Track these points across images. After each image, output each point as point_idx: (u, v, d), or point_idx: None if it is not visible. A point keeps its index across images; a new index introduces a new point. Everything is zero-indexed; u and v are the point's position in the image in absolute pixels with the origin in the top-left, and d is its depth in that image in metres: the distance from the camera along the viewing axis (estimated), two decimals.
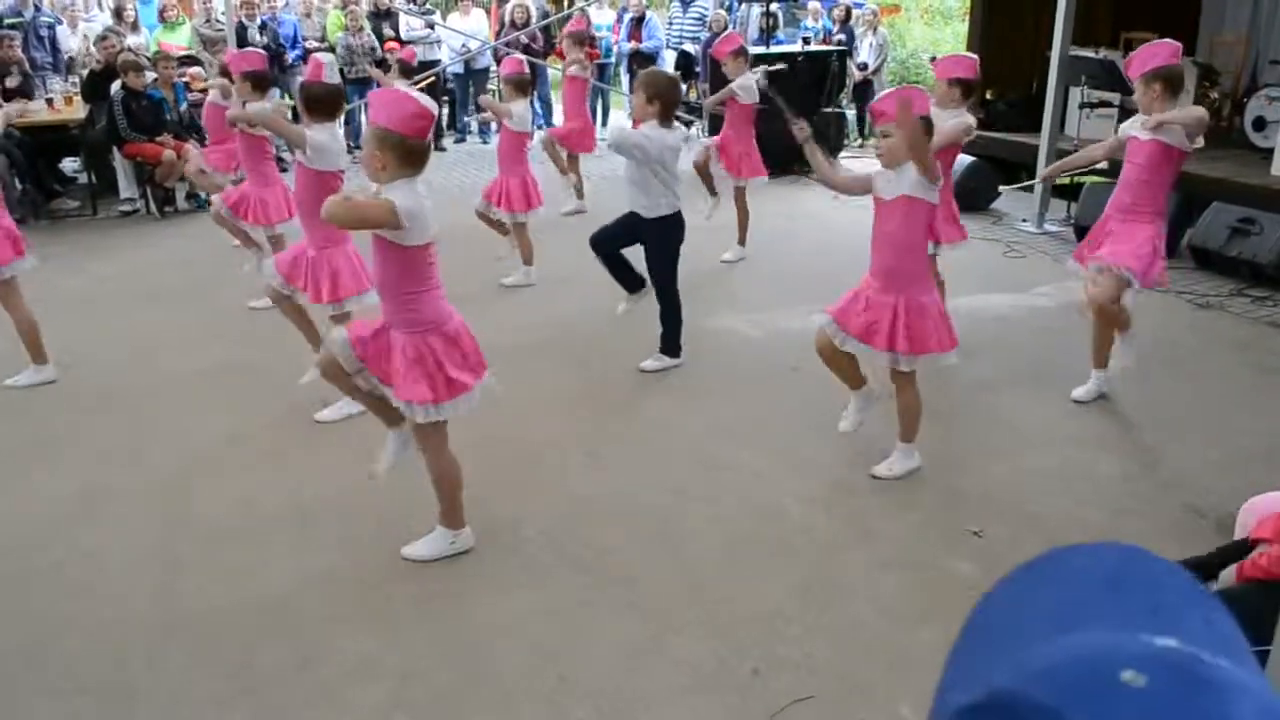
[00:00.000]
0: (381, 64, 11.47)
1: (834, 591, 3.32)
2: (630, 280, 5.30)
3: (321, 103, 4.41)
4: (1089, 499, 3.88)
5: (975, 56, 5.69)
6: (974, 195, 8.74)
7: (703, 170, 7.35)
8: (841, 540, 3.64)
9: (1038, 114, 8.35)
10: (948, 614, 3.16)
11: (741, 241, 7.38)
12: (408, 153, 3.08)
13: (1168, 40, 4.49)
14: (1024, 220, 8.31)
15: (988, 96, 10.41)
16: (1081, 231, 7.61)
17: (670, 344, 5.22)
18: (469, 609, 3.24)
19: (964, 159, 8.86)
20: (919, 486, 4.01)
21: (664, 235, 5.02)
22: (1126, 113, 9.29)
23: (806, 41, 12.29)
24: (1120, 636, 0.51)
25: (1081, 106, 8.48)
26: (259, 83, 5.41)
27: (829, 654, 2.99)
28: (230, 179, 7.09)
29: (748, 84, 6.93)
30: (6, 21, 10.47)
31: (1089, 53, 9.25)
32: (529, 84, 7.03)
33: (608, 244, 5.21)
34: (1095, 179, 8.44)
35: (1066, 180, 8.34)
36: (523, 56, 7.71)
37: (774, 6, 11.57)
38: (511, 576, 3.41)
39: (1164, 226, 4.53)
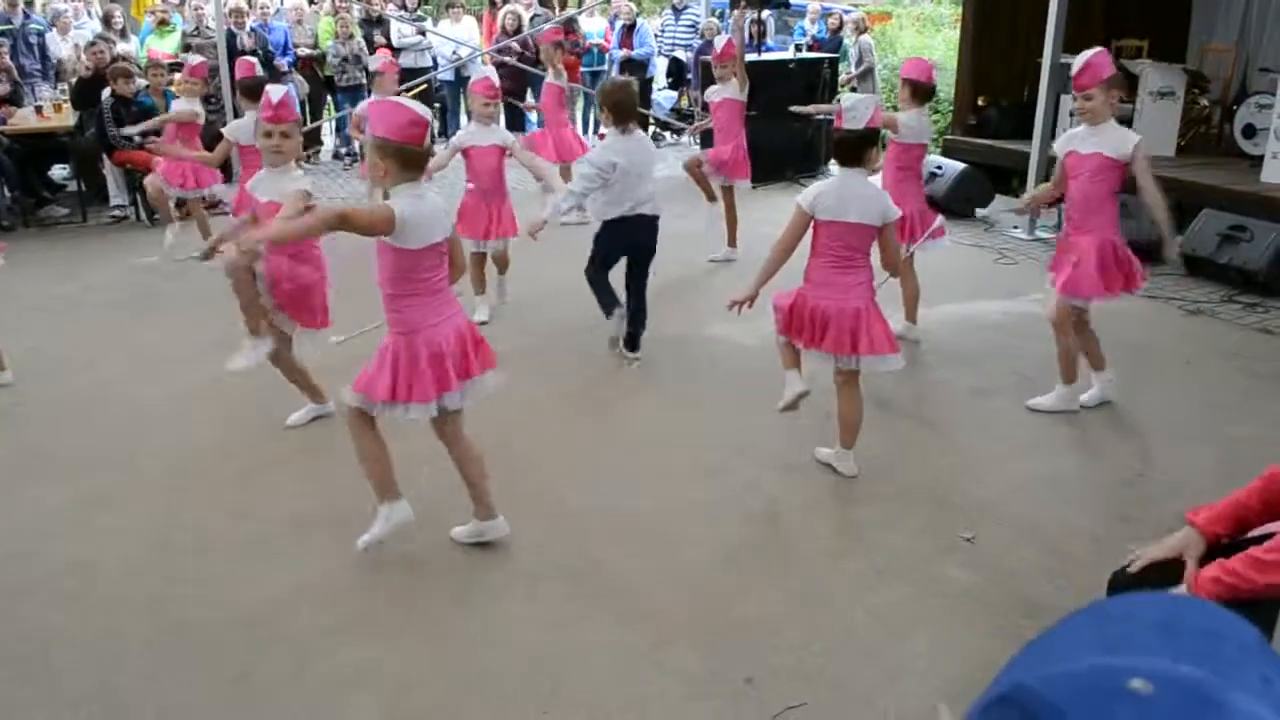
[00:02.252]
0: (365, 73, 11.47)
1: (828, 599, 3.31)
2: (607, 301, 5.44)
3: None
4: (1084, 505, 3.88)
5: (930, 61, 6.13)
6: (966, 203, 8.76)
7: (696, 174, 7.37)
8: (836, 548, 3.63)
9: (1029, 121, 8.37)
10: (941, 621, 3.17)
11: (731, 242, 7.41)
12: (407, 159, 3.18)
13: (1101, 47, 4.54)
14: (1015, 227, 8.32)
15: (979, 103, 10.46)
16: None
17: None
18: (465, 619, 3.22)
19: (955, 165, 8.90)
20: (914, 494, 4.00)
21: (601, 232, 5.33)
22: (1120, 121, 9.39)
23: (798, 49, 12.33)
24: (1148, 659, 0.51)
25: (1073, 114, 8.49)
26: (251, 92, 5.96)
27: (823, 662, 2.99)
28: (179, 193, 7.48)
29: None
30: None
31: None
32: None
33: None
34: None
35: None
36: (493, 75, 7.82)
37: (765, 14, 11.57)
38: (507, 586, 3.40)
39: (1118, 233, 4.60)
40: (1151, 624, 0.56)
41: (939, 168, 9.08)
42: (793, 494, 4.02)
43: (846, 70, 12.64)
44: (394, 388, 3.26)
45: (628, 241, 5.31)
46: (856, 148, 3.81)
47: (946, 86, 12.80)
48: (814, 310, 3.89)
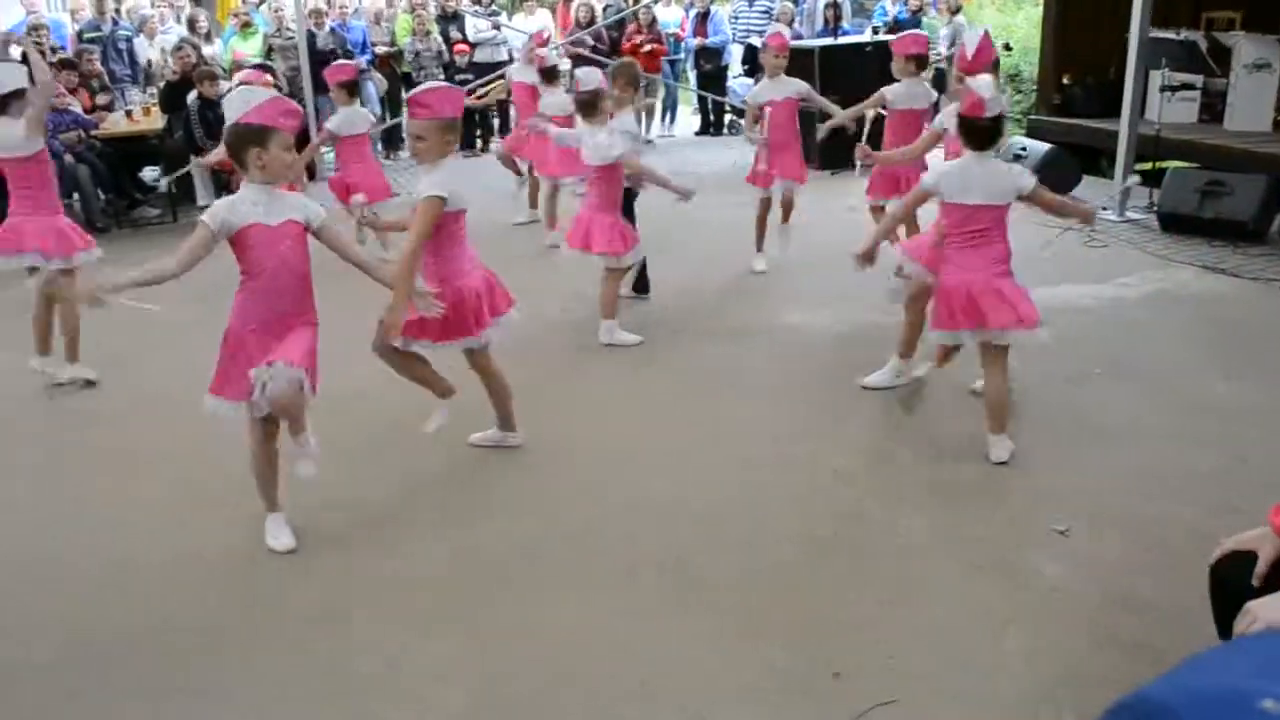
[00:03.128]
0: (450, 65, 11.59)
1: (917, 594, 3.25)
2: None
3: None
4: (1183, 496, 3.75)
5: (925, 34, 7.34)
6: (1053, 184, 8.51)
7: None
8: (924, 541, 3.56)
9: (1117, 99, 8.12)
10: (1034, 617, 3.09)
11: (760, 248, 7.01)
12: (456, 131, 3.93)
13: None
14: (1104, 209, 8.09)
15: (1064, 81, 10.20)
16: (1165, 219, 7.45)
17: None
18: (550, 612, 3.23)
19: (1041, 146, 8.69)
20: (1004, 485, 3.92)
21: None
22: (1211, 95, 9.09)
23: (876, 31, 12.13)
24: None
25: (1163, 90, 8.26)
26: (350, 88, 7.11)
27: (913, 658, 2.93)
28: None
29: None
30: (86, 36, 10.75)
31: (1170, 34, 9.00)
32: None
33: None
34: (1178, 165, 8.22)
35: (1149, 166, 8.14)
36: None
37: None
38: (597, 578, 3.40)
39: None
40: None
41: (1023, 149, 8.86)
42: (880, 485, 3.96)
43: (935, 53, 12.35)
44: (443, 328, 3.86)
45: None
46: (992, 133, 3.91)
47: (1030, 65, 12.51)
48: (956, 289, 3.97)
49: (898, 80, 6.07)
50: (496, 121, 12.24)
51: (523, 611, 3.24)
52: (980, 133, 3.90)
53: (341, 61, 7.79)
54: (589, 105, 5.46)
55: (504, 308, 4.12)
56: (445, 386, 4.16)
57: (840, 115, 6.45)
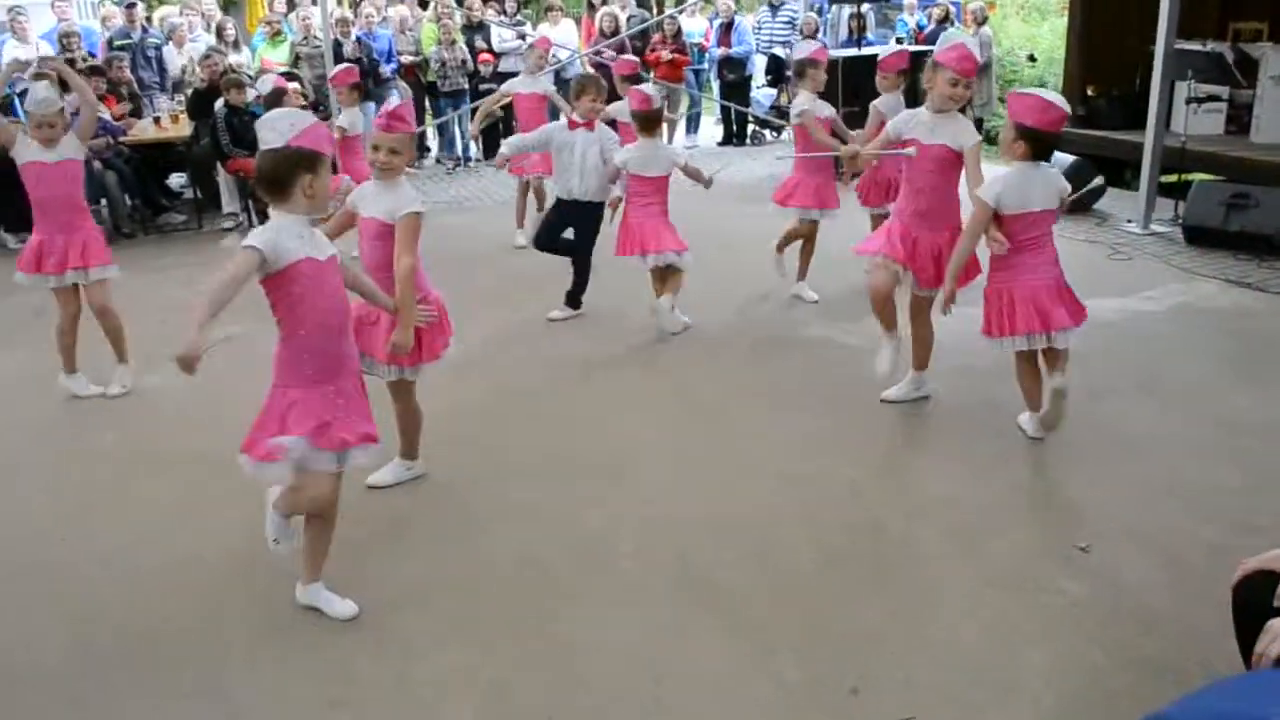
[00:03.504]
0: (474, 75, 11.64)
1: (934, 609, 3.23)
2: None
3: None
4: (1207, 513, 3.71)
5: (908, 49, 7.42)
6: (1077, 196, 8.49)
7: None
8: (942, 556, 3.54)
9: (1142, 110, 8.06)
10: (1054, 635, 3.07)
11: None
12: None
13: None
14: (1129, 221, 8.04)
15: (1089, 93, 10.14)
16: (1190, 232, 7.39)
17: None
18: (562, 624, 3.23)
19: (1065, 158, 8.64)
20: (1024, 500, 3.89)
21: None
22: (1237, 107, 9.02)
23: (900, 42, 12.11)
24: None
25: (1188, 102, 8.19)
26: (357, 89, 7.66)
27: (932, 674, 2.91)
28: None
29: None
30: (116, 44, 10.86)
31: (1196, 45, 8.94)
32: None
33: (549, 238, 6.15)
34: (1203, 177, 8.16)
35: (1174, 178, 8.08)
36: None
37: (864, 7, 11.41)
38: (607, 590, 3.40)
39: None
40: None
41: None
42: (896, 499, 3.94)
43: None
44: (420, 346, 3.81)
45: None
46: (1051, 144, 4.04)
47: (1054, 77, 12.45)
48: (1022, 297, 4.07)
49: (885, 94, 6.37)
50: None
51: (533, 622, 3.24)
52: (1038, 141, 3.95)
53: (346, 65, 8.02)
54: (653, 121, 5.77)
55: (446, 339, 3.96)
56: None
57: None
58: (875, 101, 6.37)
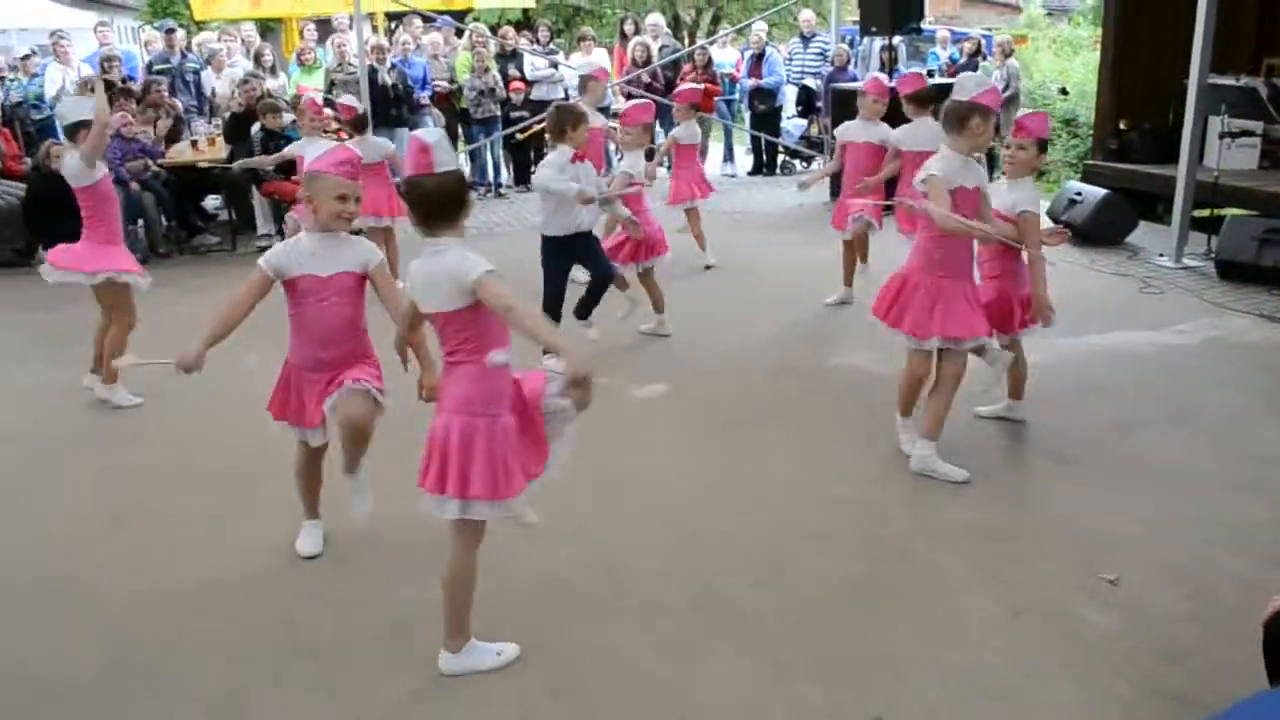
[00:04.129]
0: (506, 102, 11.74)
1: (959, 638, 3.20)
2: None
3: None
4: (1236, 546, 3.66)
5: (885, 78, 7.51)
6: (1110, 229, 8.45)
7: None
8: (967, 585, 3.52)
9: (1175, 145, 8.03)
10: (1079, 666, 3.03)
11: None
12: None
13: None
14: (1161, 255, 7.99)
15: (1121, 127, 10.11)
16: (1222, 266, 7.34)
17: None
18: (584, 646, 3.22)
19: (1096, 191, 8.61)
20: (1051, 532, 3.86)
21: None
22: (1271, 142, 8.96)
23: (930, 74, 12.11)
24: None
25: (1222, 136, 8.15)
26: (359, 125, 7.43)
27: (955, 703, 2.89)
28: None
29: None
30: (155, 68, 11.06)
31: (1229, 80, 8.90)
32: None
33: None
34: (1237, 212, 8.10)
35: (1207, 213, 8.03)
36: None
37: (896, 40, 11.42)
38: (629, 612, 3.39)
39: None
40: None
41: (1079, 194, 8.79)
42: (922, 526, 3.92)
43: None
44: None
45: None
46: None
47: (1087, 111, 12.42)
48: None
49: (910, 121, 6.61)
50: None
51: (552, 644, 3.23)
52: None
53: (348, 101, 7.89)
54: None
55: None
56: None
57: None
58: (894, 132, 6.69)
